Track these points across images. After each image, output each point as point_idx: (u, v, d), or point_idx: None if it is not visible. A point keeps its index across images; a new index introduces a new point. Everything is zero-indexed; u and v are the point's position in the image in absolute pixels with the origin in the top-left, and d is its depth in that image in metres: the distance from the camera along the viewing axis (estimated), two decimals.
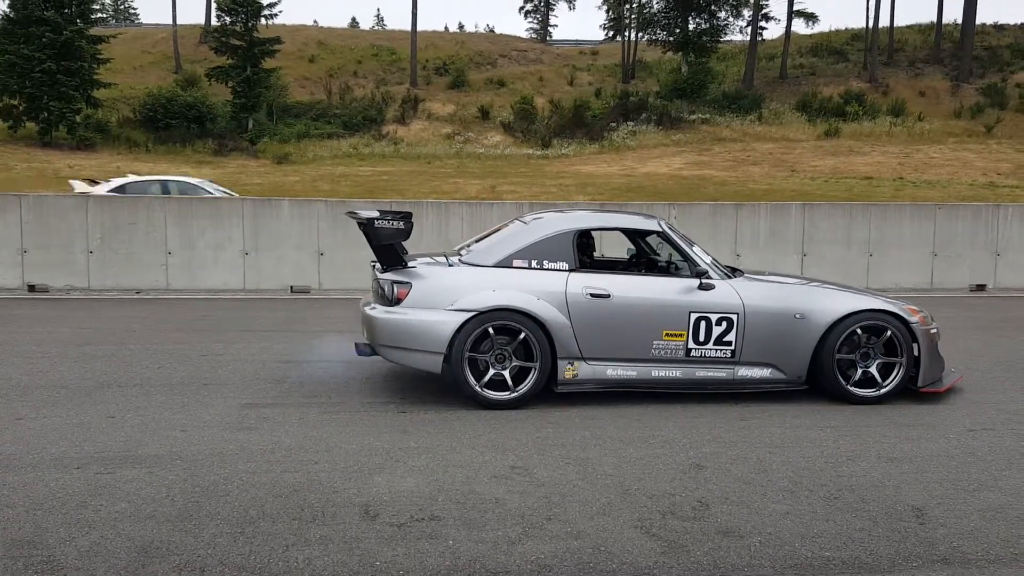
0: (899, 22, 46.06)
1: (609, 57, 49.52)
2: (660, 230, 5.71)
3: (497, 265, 5.42)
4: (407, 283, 5.31)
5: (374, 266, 5.73)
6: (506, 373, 5.25)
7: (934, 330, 5.67)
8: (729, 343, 5.44)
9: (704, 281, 5.44)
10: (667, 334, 5.40)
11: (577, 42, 58.11)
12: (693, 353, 5.44)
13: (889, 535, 3.38)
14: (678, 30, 40.73)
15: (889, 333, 5.48)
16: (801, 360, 5.49)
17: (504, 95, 41.57)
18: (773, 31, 45.15)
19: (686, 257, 5.62)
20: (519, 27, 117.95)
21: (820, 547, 3.26)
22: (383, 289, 5.39)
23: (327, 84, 42.28)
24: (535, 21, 71.64)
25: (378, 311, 5.38)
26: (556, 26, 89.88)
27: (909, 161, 29.13)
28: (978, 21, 41.73)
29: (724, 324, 5.42)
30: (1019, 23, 47.24)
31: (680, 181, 25.99)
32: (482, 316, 5.18)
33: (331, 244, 11.30)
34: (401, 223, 5.29)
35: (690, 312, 5.39)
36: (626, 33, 45.08)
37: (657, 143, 33.93)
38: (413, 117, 38.81)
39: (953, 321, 9.07)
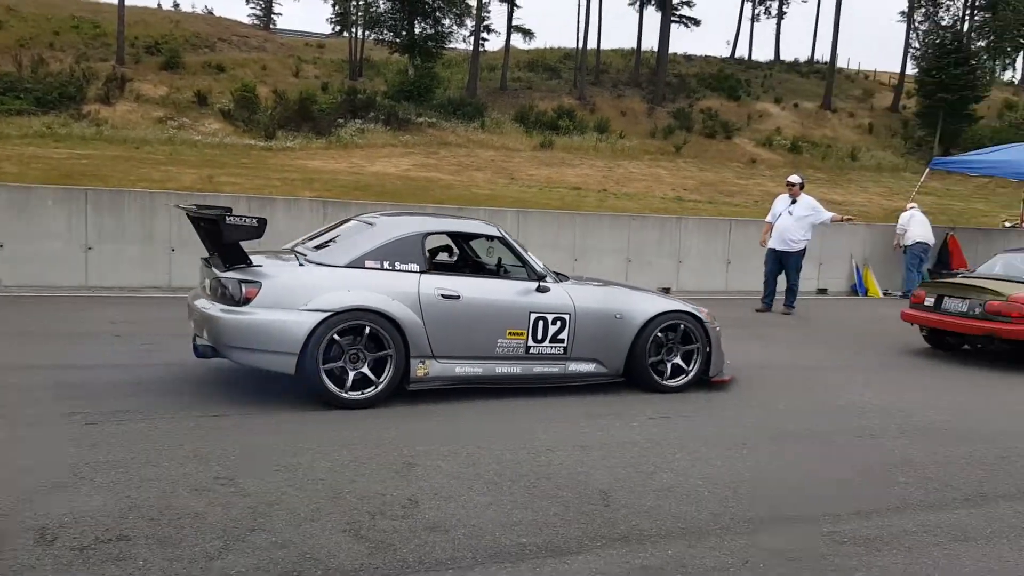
0: (605, 46, 50.46)
1: (336, 52, 48.79)
2: (500, 235, 6.07)
3: (349, 265, 5.42)
4: (257, 282, 5.14)
5: (205, 264, 5.61)
6: (365, 371, 5.29)
7: (718, 328, 6.46)
8: (562, 341, 5.92)
9: (542, 284, 5.87)
10: (510, 333, 5.76)
11: (303, 33, 56.54)
12: (532, 350, 5.85)
13: (579, 518, 3.69)
14: (404, 32, 41.19)
15: (686, 329, 6.27)
16: (620, 355, 6.10)
17: (224, 81, 39.31)
18: (494, 43, 47.25)
19: (523, 262, 5.99)
20: (240, 12, 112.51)
21: (519, 534, 3.48)
22: (226, 288, 5.17)
23: (17, 55, 37.21)
24: (258, 7, 68.63)
25: (223, 311, 5.13)
26: (280, 15, 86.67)
27: (612, 175, 31.94)
28: (670, 51, 46.91)
29: (558, 323, 5.89)
30: (704, 55, 53.87)
31: (408, 182, 26.31)
32: (338, 316, 5.17)
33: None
34: (255, 221, 5.13)
35: (530, 312, 5.80)
36: (353, 30, 44.70)
37: (385, 143, 34.06)
38: (119, 97, 35.37)
39: None
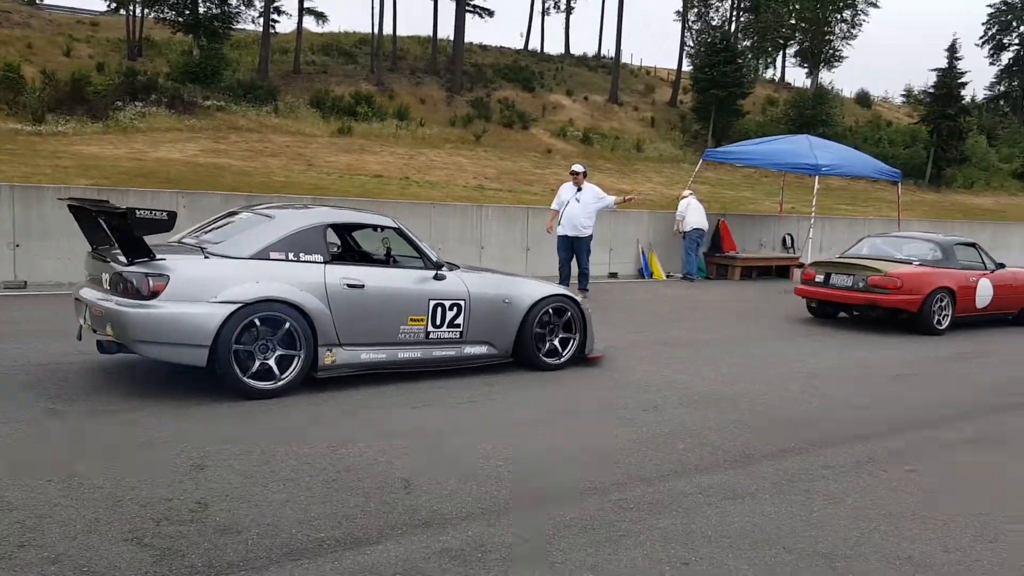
0: (402, 32, 50.01)
1: (112, 30, 44.89)
2: (396, 226, 6.25)
3: (254, 257, 5.44)
4: (164, 276, 5.08)
5: (97, 257, 5.57)
6: (271, 362, 5.32)
7: (589, 310, 7.00)
8: (458, 325, 6.25)
9: (439, 273, 6.14)
10: (412, 319, 6.02)
11: (73, 10, 51.39)
12: (432, 335, 6.15)
13: (380, 508, 3.67)
14: (188, 11, 38.66)
15: (566, 312, 6.81)
16: (509, 337, 6.51)
17: None
18: (286, 25, 45.29)
19: (420, 252, 6.22)
20: None
21: (316, 530, 3.41)
22: (130, 282, 5.07)
23: None
24: None
25: (129, 306, 5.05)
26: None
27: (413, 162, 31.88)
28: (466, 40, 47.43)
29: (455, 309, 6.21)
30: (498, 46, 54.94)
31: (196, 168, 24.79)
32: (248, 307, 5.20)
33: None
34: (165, 214, 5.11)
35: (429, 299, 6.08)
36: (131, 7, 41.32)
37: (170, 127, 31.84)
38: None
39: None
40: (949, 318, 9.80)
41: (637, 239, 15.54)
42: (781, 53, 60.45)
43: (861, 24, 59.63)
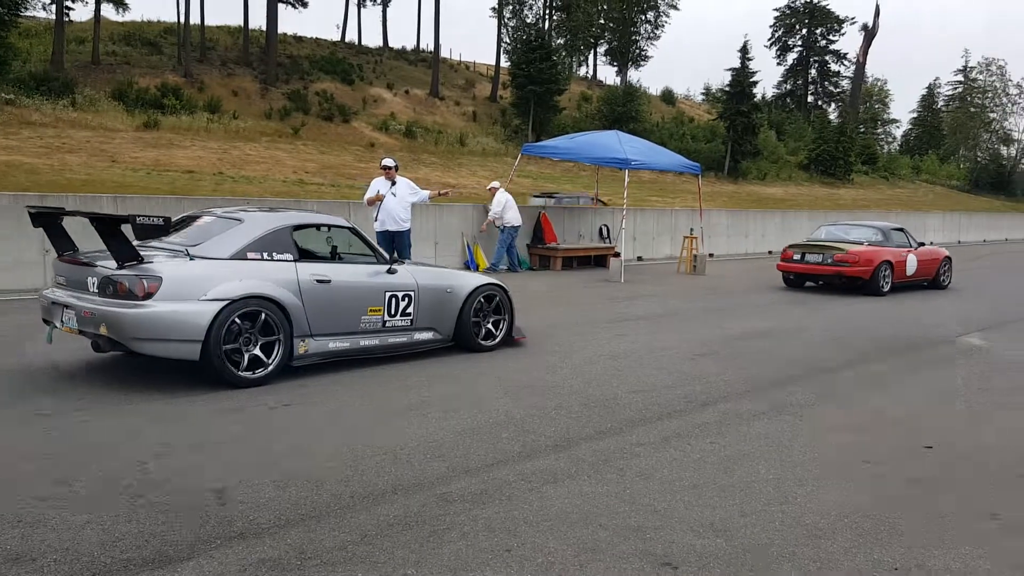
0: (210, 21, 47.54)
1: None
2: (350, 226, 7.04)
3: (233, 257, 5.94)
4: (158, 277, 5.50)
5: (74, 262, 5.91)
6: (257, 352, 5.87)
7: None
8: (409, 314, 7.01)
9: (391, 267, 6.89)
10: (371, 310, 6.73)
11: None
12: (388, 324, 6.88)
13: (191, 522, 3.50)
14: None
15: (498, 299, 7.72)
16: (451, 323, 7.36)
17: None
18: (82, 13, 41.81)
19: (372, 249, 7.00)
20: None
21: (122, 550, 3.20)
22: (123, 284, 5.46)
23: None
24: None
25: (125, 306, 5.43)
26: None
27: (228, 157, 30.43)
28: (280, 31, 45.81)
29: (406, 299, 6.97)
30: (314, 37, 53.47)
31: None
32: (235, 304, 5.70)
33: None
34: (161, 220, 5.55)
35: (385, 291, 6.82)
36: None
37: None
38: None
39: None
40: (889, 284, 13.46)
41: (462, 232, 15.68)
42: (592, 52, 62.96)
43: (663, 25, 63.21)
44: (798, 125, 63.22)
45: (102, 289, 5.60)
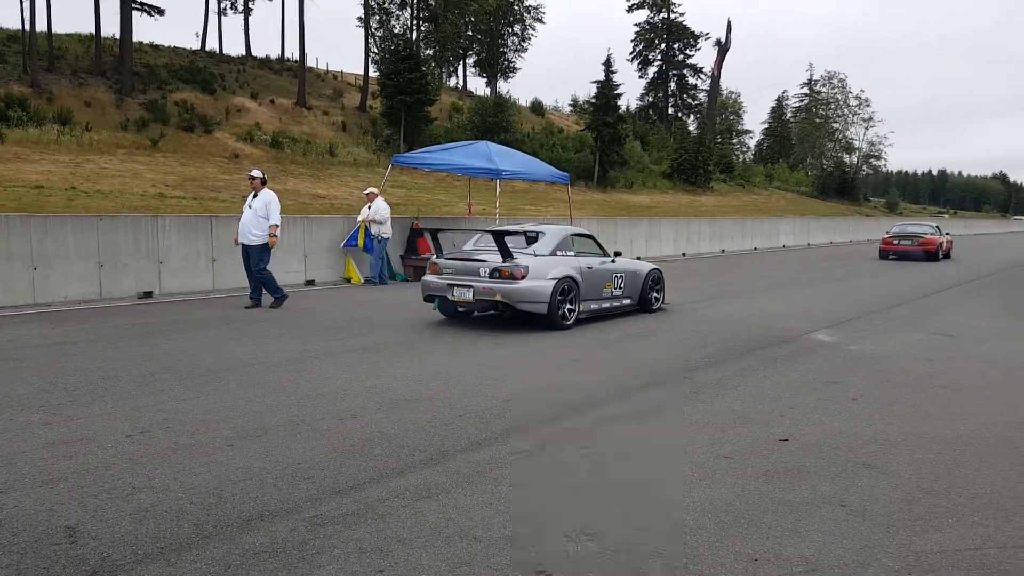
0: (58, 29, 44.90)
1: None
2: (590, 233, 11.47)
3: (551, 254, 10.13)
4: (527, 266, 9.61)
5: (462, 259, 10.12)
6: (566, 309, 9.96)
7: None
8: (622, 288, 11.40)
9: (615, 259, 11.39)
10: (607, 285, 10.88)
11: None
12: (614, 294, 11.16)
13: (39, 563, 3.26)
14: None
15: (658, 278, 12.08)
16: (638, 294, 11.68)
17: None
18: None
19: (601, 248, 11.46)
20: None
21: None
22: (505, 271, 9.57)
23: None
24: None
25: (512, 284, 9.50)
26: None
27: (80, 171, 28.62)
28: (136, 39, 43.61)
29: (621, 278, 11.32)
30: (172, 46, 51.19)
31: None
32: (560, 281, 9.78)
33: None
34: (522, 231, 10.59)
35: (614, 273, 11.14)
36: None
37: None
38: None
39: (121, 329, 9.31)
40: (943, 253, 26.74)
41: (336, 244, 15.38)
42: (462, 63, 63.29)
43: (530, 38, 64.27)
44: (661, 136, 65.78)
45: (492, 274, 9.66)
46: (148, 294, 12.60)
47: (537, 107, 63.66)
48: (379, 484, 4.34)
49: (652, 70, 76.01)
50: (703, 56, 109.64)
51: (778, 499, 4.24)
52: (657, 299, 11.89)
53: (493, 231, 10.01)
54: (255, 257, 11.33)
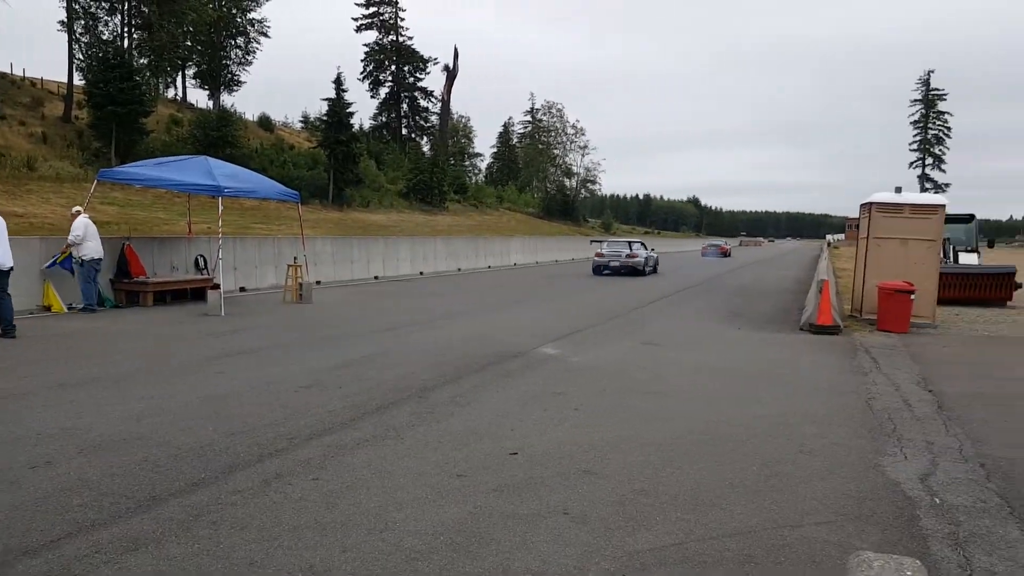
0: None
1: None
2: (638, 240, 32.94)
3: (641, 247, 30.88)
4: (637, 252, 29.83)
5: (616, 244, 30.35)
6: (652, 270, 30.83)
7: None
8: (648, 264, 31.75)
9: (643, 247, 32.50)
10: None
11: None
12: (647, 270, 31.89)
13: None
14: None
15: (656, 261, 32.49)
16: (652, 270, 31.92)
17: None
18: None
19: (629, 243, 30.76)
20: None
21: None
22: (633, 255, 29.08)
23: None
24: None
25: (637, 259, 29.15)
26: None
27: None
28: None
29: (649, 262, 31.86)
30: None
31: None
32: (647, 259, 30.56)
33: None
34: (641, 245, 31.27)
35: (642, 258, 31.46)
36: None
37: None
38: None
39: None
40: (650, 269, 30.64)
41: (33, 268, 13.57)
42: (181, 73, 59.46)
43: (255, 51, 61.87)
44: (395, 156, 66.33)
45: (627, 255, 28.92)
46: None
47: (266, 122, 61.39)
48: (77, 538, 3.84)
49: (384, 91, 76.47)
50: (433, 80, 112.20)
51: (508, 513, 4.34)
52: (654, 270, 28.60)
53: (625, 240, 24.79)
54: None
